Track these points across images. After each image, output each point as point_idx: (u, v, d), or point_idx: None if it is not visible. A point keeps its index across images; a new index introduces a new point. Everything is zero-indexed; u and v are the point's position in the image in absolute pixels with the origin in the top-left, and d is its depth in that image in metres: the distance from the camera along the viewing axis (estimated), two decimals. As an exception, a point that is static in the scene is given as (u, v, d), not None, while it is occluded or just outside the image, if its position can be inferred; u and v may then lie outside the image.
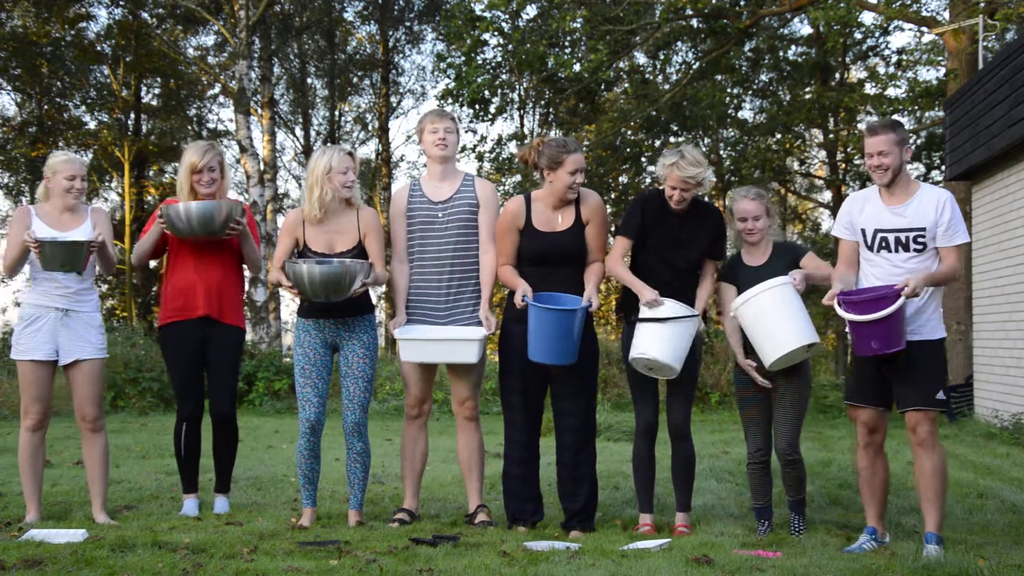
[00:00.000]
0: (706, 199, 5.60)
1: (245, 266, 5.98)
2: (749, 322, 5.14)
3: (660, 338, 5.14)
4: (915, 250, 4.78)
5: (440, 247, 5.54)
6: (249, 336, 17.20)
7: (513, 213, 5.47)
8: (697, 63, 20.52)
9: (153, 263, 25.66)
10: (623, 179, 24.99)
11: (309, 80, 27.90)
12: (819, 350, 25.27)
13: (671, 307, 5.16)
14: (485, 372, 5.91)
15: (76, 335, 5.50)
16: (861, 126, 24.79)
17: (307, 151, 27.57)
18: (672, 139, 24.86)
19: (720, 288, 5.48)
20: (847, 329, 4.84)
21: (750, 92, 24.26)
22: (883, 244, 4.83)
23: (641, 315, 5.20)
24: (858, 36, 23.24)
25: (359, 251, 5.46)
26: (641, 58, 23.89)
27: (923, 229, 4.76)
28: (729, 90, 22.98)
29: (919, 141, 24.46)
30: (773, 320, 5.06)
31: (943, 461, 4.80)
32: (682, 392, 5.42)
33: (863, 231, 4.89)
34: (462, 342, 5.41)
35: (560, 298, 5.29)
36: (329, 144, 6.06)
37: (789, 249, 5.45)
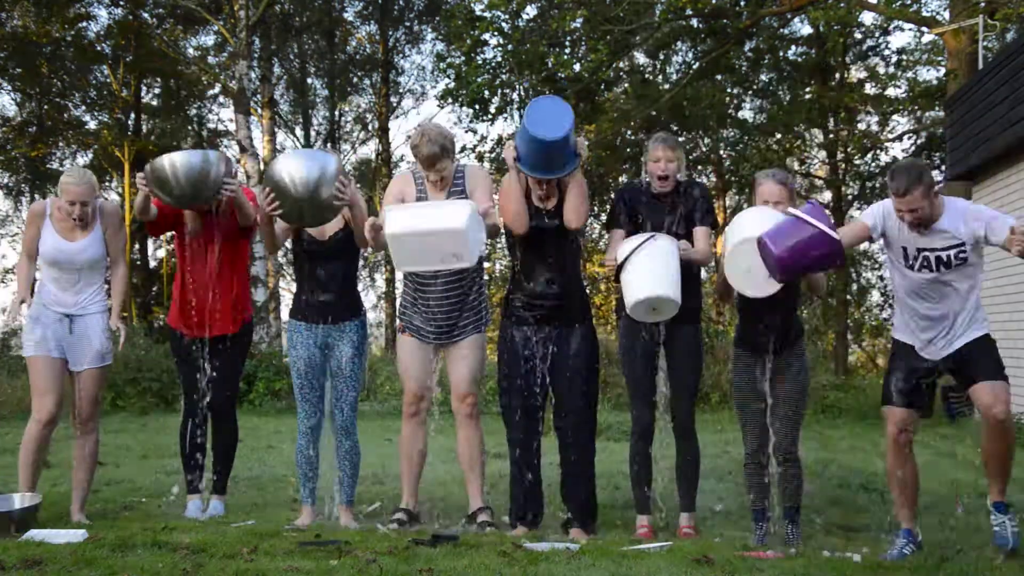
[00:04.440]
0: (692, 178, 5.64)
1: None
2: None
3: (645, 274, 5.05)
4: (956, 266, 4.73)
5: None
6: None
7: (516, 178, 5.37)
8: (697, 63, 20.51)
9: (153, 262, 25.37)
10: (623, 179, 24.98)
11: (309, 80, 27.88)
12: (819, 350, 25.27)
13: (632, 241, 5.14)
14: (485, 370, 5.88)
15: (81, 339, 5.49)
16: (861, 126, 24.80)
17: (307, 151, 27.54)
18: (672, 139, 24.81)
19: None
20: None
21: (750, 92, 24.24)
22: (925, 263, 4.77)
23: (618, 261, 5.15)
24: (858, 36, 23.25)
25: (347, 235, 5.50)
26: (641, 58, 23.88)
27: (961, 244, 4.70)
28: (729, 90, 22.97)
29: (919, 141, 24.46)
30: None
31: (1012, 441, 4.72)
32: (685, 389, 5.42)
33: (904, 249, 4.80)
34: (452, 211, 5.07)
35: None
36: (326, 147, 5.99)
37: None
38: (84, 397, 5.56)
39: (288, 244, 5.70)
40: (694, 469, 5.49)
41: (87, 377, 5.55)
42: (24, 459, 5.54)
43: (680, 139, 5.31)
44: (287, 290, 29.17)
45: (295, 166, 5.10)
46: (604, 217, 25.58)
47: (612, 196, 24.72)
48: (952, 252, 4.72)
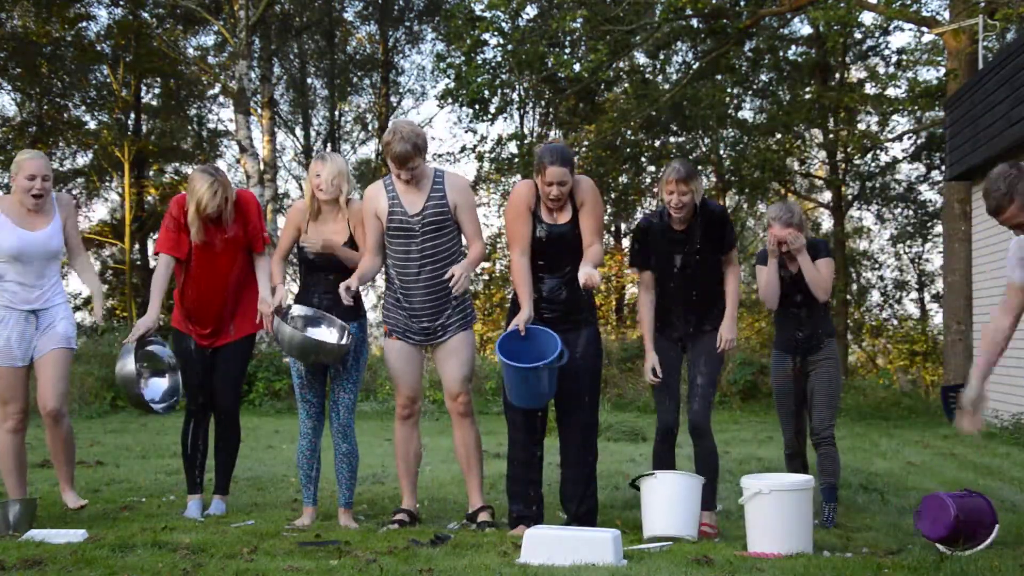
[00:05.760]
0: (705, 197, 5.59)
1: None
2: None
3: (662, 511, 5.15)
4: None
5: (420, 258, 5.45)
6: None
7: (526, 195, 5.30)
8: (697, 63, 20.52)
9: (153, 262, 25.40)
10: (623, 179, 24.98)
11: (309, 80, 27.88)
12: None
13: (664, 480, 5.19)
14: (475, 368, 5.87)
15: (47, 329, 5.40)
16: (861, 126, 24.78)
17: (307, 151, 27.56)
18: (672, 139, 24.83)
19: (757, 271, 5.85)
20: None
21: (750, 92, 24.24)
22: None
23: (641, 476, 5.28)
24: (858, 36, 23.21)
25: (352, 245, 5.54)
26: (641, 58, 23.87)
27: None
28: (729, 90, 22.96)
29: (919, 141, 24.45)
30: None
31: None
32: (702, 393, 5.48)
33: None
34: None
35: (540, 336, 5.15)
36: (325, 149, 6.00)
37: (812, 248, 5.72)
38: (47, 383, 5.36)
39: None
40: (712, 467, 5.54)
41: (52, 358, 5.38)
42: (5, 468, 5.47)
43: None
44: (288, 291, 29.10)
45: (299, 338, 5.34)
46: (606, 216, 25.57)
47: (620, 204, 24.27)
48: None
